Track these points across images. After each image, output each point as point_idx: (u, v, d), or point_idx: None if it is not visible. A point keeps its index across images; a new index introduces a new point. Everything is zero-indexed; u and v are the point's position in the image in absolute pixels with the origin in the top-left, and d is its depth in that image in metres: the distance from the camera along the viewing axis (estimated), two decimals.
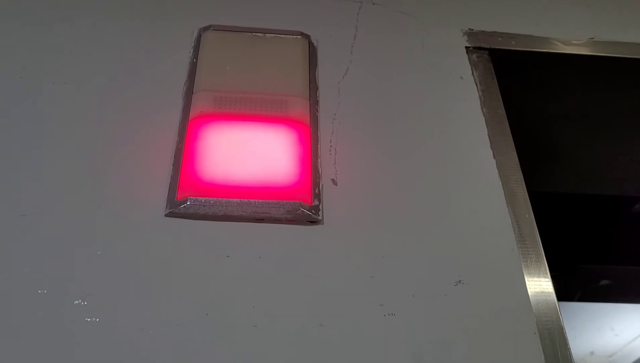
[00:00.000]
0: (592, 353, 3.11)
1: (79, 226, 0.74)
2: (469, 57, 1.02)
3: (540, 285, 0.78)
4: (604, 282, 1.87)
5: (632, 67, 1.09)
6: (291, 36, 0.98)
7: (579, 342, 2.98)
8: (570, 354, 0.72)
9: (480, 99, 0.97)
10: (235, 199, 0.77)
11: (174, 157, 0.82)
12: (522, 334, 0.73)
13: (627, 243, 1.71)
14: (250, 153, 0.82)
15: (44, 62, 0.91)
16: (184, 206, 0.76)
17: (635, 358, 3.03)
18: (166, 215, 0.76)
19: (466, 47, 1.04)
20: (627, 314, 2.71)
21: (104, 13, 0.99)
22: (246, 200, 0.77)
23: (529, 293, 0.77)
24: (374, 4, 1.09)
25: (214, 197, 0.77)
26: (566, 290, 1.94)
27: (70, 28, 0.96)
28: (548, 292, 0.78)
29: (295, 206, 0.77)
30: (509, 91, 0.98)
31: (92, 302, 0.68)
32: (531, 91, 1.15)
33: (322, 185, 0.82)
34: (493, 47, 1.04)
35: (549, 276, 0.79)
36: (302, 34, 0.99)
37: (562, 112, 1.21)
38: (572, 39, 1.09)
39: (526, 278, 0.78)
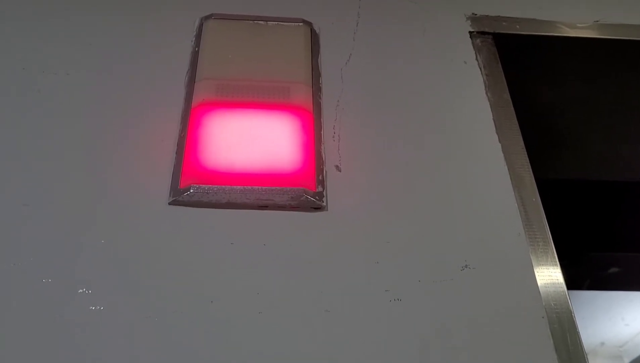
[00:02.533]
0: (602, 343, 3.10)
1: (83, 215, 0.74)
2: (472, 42, 1.01)
3: (547, 269, 0.77)
4: (613, 270, 1.85)
5: (638, 49, 1.07)
6: (293, 24, 0.98)
7: (589, 332, 2.97)
8: (579, 338, 0.72)
9: (485, 83, 0.96)
10: (238, 187, 0.77)
11: (177, 145, 0.82)
12: (530, 318, 0.72)
13: (636, 230, 1.69)
14: (253, 140, 0.81)
15: (46, 53, 0.91)
16: (188, 194, 0.76)
17: None
18: (170, 203, 0.76)
19: (470, 32, 1.03)
20: (638, 304, 2.70)
21: (105, 3, 0.99)
22: (249, 187, 0.77)
23: (537, 277, 0.76)
24: None
25: (217, 184, 0.76)
26: (575, 279, 1.92)
27: (72, 19, 0.96)
28: (556, 276, 0.77)
29: (299, 193, 0.77)
30: (513, 75, 0.97)
31: (97, 290, 0.68)
32: (536, 75, 1.13)
33: (325, 171, 0.82)
34: (497, 31, 1.03)
35: (557, 260, 0.78)
36: (304, 21, 0.99)
37: (568, 97, 1.20)
38: (577, 22, 1.07)
39: (533, 262, 0.77)
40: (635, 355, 3.09)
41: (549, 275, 0.76)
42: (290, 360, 0.66)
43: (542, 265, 0.77)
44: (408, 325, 0.70)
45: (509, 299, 0.73)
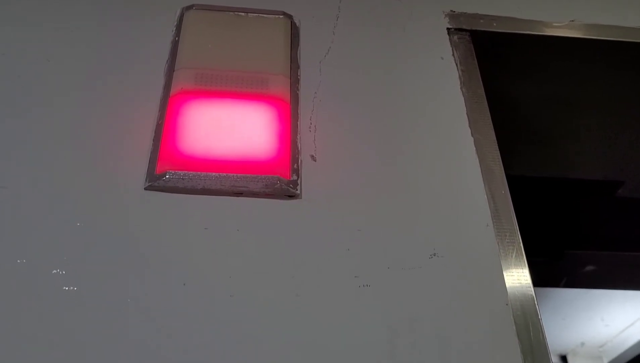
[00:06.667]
0: (582, 343, 3.14)
1: (59, 198, 0.75)
2: (450, 39, 1.03)
3: (513, 259, 0.79)
4: (592, 268, 1.88)
5: (611, 49, 1.10)
6: (273, 16, 0.99)
7: (569, 332, 3.00)
8: (541, 325, 0.74)
9: (460, 79, 0.98)
10: (214, 173, 0.78)
11: (155, 132, 0.83)
12: (494, 305, 0.74)
13: (611, 229, 1.72)
14: (230, 129, 0.83)
15: (27, 39, 0.92)
16: (163, 180, 0.77)
17: (625, 348, 3.06)
18: (146, 188, 0.77)
19: (447, 29, 1.05)
20: (617, 304, 2.74)
21: None
22: (225, 174, 0.78)
23: (502, 267, 0.78)
24: None
25: (193, 171, 0.78)
26: (551, 276, 1.95)
27: (53, 6, 0.97)
28: (521, 266, 0.79)
29: (273, 181, 0.79)
30: (489, 71, 0.99)
31: (71, 272, 0.69)
32: (511, 72, 1.16)
33: (300, 161, 0.83)
34: (474, 28, 1.05)
35: (523, 251, 0.81)
36: (284, 13, 1.00)
37: (544, 95, 1.22)
38: (553, 21, 1.10)
39: (500, 253, 0.79)
40: (614, 356, 3.13)
41: (515, 265, 0.78)
42: (260, 342, 0.68)
43: (509, 255, 0.79)
44: (376, 310, 0.72)
45: (475, 286, 0.76)
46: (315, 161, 0.84)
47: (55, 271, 0.69)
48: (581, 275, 1.91)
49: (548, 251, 1.73)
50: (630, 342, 3.00)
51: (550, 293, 2.46)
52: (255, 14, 0.99)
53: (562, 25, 1.10)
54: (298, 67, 0.95)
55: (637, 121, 1.32)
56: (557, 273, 1.93)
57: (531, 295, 0.76)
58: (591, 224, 1.72)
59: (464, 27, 1.05)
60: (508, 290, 0.76)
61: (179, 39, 0.94)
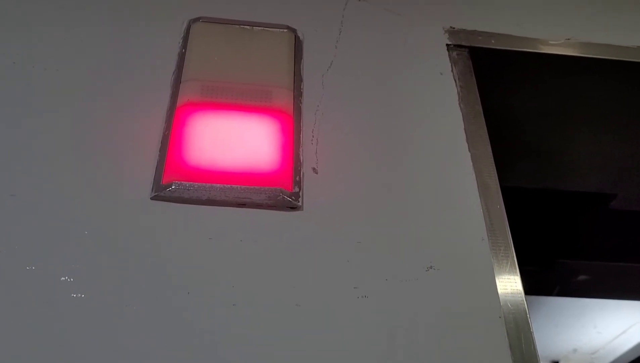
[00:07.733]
0: (575, 350, 3.15)
1: (67, 207, 0.77)
2: (449, 55, 1.06)
3: (507, 273, 0.82)
4: (584, 277, 1.91)
5: (605, 67, 1.13)
6: (278, 30, 1.01)
7: (562, 338, 3.02)
8: (532, 337, 0.76)
9: (459, 95, 1.00)
10: (218, 185, 0.80)
11: (161, 143, 0.85)
12: (487, 317, 0.77)
13: (604, 240, 1.75)
14: (234, 141, 0.85)
15: (36, 49, 0.94)
16: (169, 190, 0.79)
17: (617, 355, 3.08)
18: (152, 198, 0.80)
19: (447, 45, 1.07)
20: (609, 311, 2.76)
21: (96, 2, 1.02)
22: (229, 185, 0.81)
23: (497, 280, 0.80)
24: (359, 0, 1.12)
25: (198, 182, 0.80)
26: (544, 285, 1.98)
27: (64, 16, 0.99)
28: (514, 280, 0.81)
29: (276, 192, 0.81)
30: (486, 87, 1.02)
31: (78, 279, 0.71)
32: (508, 88, 1.19)
33: (303, 173, 0.86)
34: (473, 45, 1.07)
35: (517, 265, 0.83)
36: (288, 28, 1.02)
37: (540, 110, 1.25)
38: (549, 39, 1.13)
39: (494, 266, 0.82)
40: None
41: (508, 279, 0.81)
42: (261, 349, 0.70)
43: (503, 269, 0.82)
44: (374, 320, 0.74)
45: (469, 299, 0.78)
46: (316, 173, 0.87)
47: (63, 278, 0.71)
48: (574, 283, 1.94)
49: (541, 260, 1.76)
50: (623, 349, 3.02)
51: (543, 300, 2.48)
52: (260, 28, 1.01)
53: (558, 43, 1.13)
54: (301, 80, 0.97)
55: (630, 135, 1.35)
56: (551, 282, 1.96)
57: (524, 307, 0.78)
58: (585, 235, 1.74)
59: (463, 43, 1.08)
60: (501, 302, 0.78)
61: (185, 50, 0.96)
